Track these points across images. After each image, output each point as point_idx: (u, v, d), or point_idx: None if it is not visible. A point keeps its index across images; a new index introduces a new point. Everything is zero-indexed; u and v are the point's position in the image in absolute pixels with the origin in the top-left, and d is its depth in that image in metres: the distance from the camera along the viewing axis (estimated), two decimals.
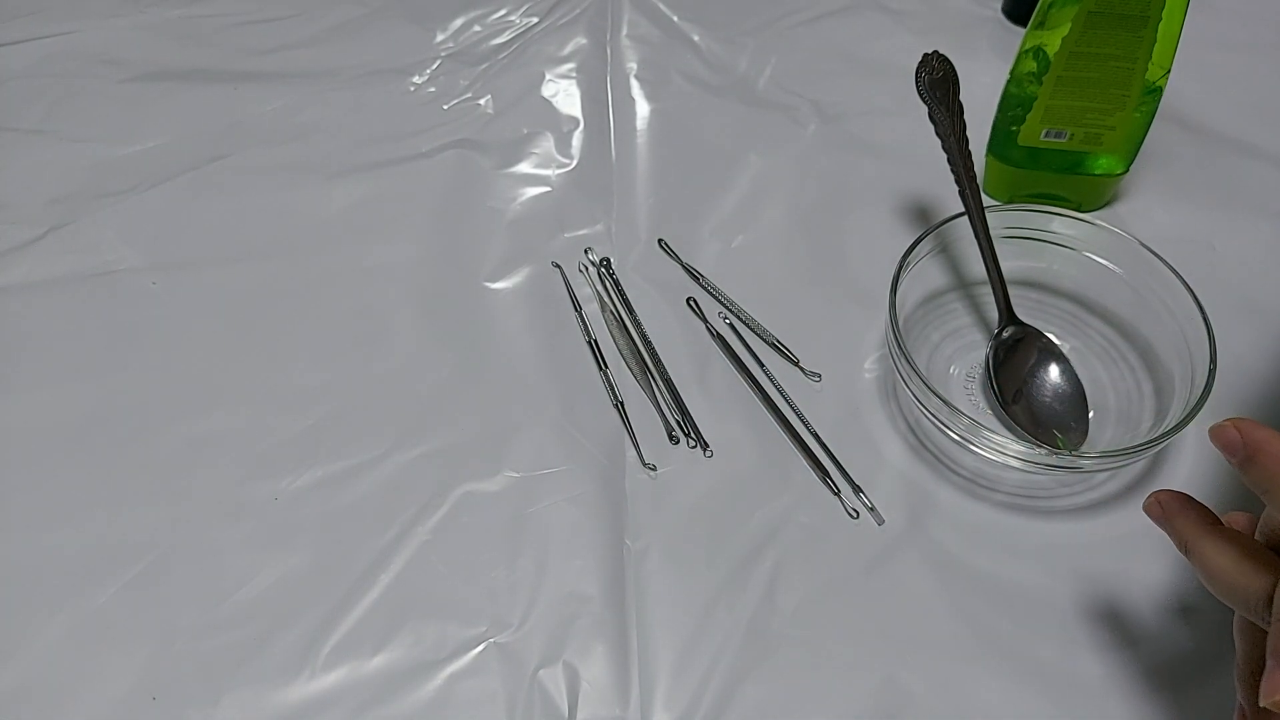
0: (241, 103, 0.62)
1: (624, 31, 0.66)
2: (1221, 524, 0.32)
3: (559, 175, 0.57)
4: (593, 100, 0.62)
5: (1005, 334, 0.46)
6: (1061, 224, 0.46)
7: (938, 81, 0.46)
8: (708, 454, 0.44)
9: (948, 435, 0.41)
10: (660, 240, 0.53)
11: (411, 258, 0.53)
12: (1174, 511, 0.32)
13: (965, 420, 0.39)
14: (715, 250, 0.53)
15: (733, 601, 0.39)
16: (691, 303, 0.51)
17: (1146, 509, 0.33)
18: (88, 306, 0.51)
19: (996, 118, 0.51)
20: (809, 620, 0.39)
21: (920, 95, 0.47)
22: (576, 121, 0.60)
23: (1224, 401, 0.45)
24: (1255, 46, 0.64)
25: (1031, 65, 0.48)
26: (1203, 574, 0.31)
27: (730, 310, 0.50)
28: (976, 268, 0.46)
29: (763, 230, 0.54)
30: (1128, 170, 0.52)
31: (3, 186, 0.57)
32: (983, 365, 0.46)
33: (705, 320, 0.50)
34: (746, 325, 0.49)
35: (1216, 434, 0.29)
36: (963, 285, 0.49)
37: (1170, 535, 0.32)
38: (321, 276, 0.52)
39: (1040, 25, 0.46)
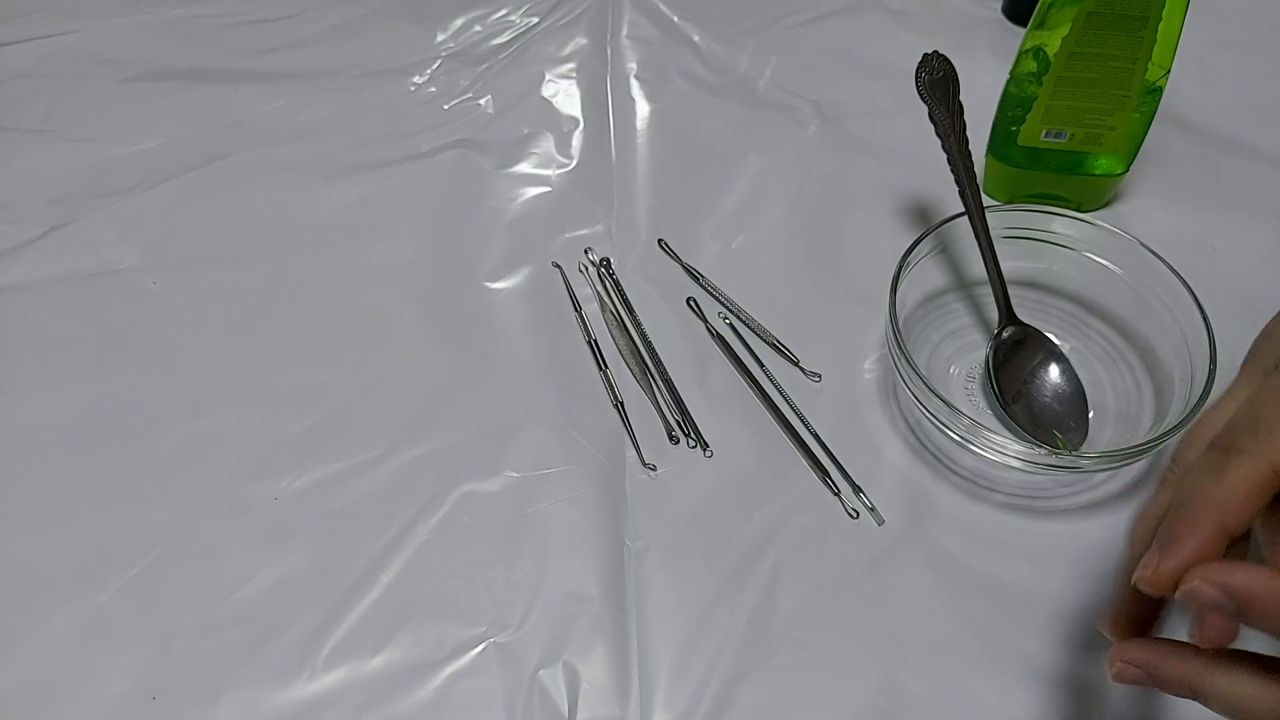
0: (241, 103, 0.62)
1: (624, 31, 0.66)
2: (1205, 650, 0.26)
3: (559, 175, 0.57)
4: (593, 100, 0.62)
5: (1005, 334, 0.46)
6: (1061, 224, 0.46)
7: (938, 81, 0.46)
8: (708, 454, 0.44)
9: (948, 435, 0.41)
10: (660, 240, 0.53)
11: (411, 258, 0.53)
12: (1157, 662, 0.28)
13: (965, 420, 0.39)
14: (715, 250, 0.53)
15: (733, 601, 0.39)
16: (691, 303, 0.51)
17: (1121, 679, 0.28)
18: (88, 306, 0.51)
19: (996, 118, 0.51)
20: (809, 620, 0.39)
21: (920, 95, 0.47)
22: (576, 121, 0.61)
23: None
24: (1255, 47, 0.64)
25: (1031, 65, 0.48)
26: (1226, 710, 0.26)
27: (730, 310, 0.50)
28: (976, 268, 0.46)
29: (763, 230, 0.54)
30: (1128, 170, 0.52)
31: (3, 186, 0.57)
32: (983, 365, 0.46)
33: (705, 320, 0.50)
34: (746, 325, 0.49)
35: (1193, 596, 0.25)
36: (963, 285, 0.49)
37: (1166, 688, 0.27)
38: (321, 276, 0.52)
39: (1040, 25, 0.46)
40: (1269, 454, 0.26)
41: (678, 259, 0.53)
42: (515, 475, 0.44)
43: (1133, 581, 0.27)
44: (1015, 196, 0.54)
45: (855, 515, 0.42)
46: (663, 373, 0.47)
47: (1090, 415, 0.44)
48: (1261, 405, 0.27)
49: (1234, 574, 0.25)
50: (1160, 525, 0.27)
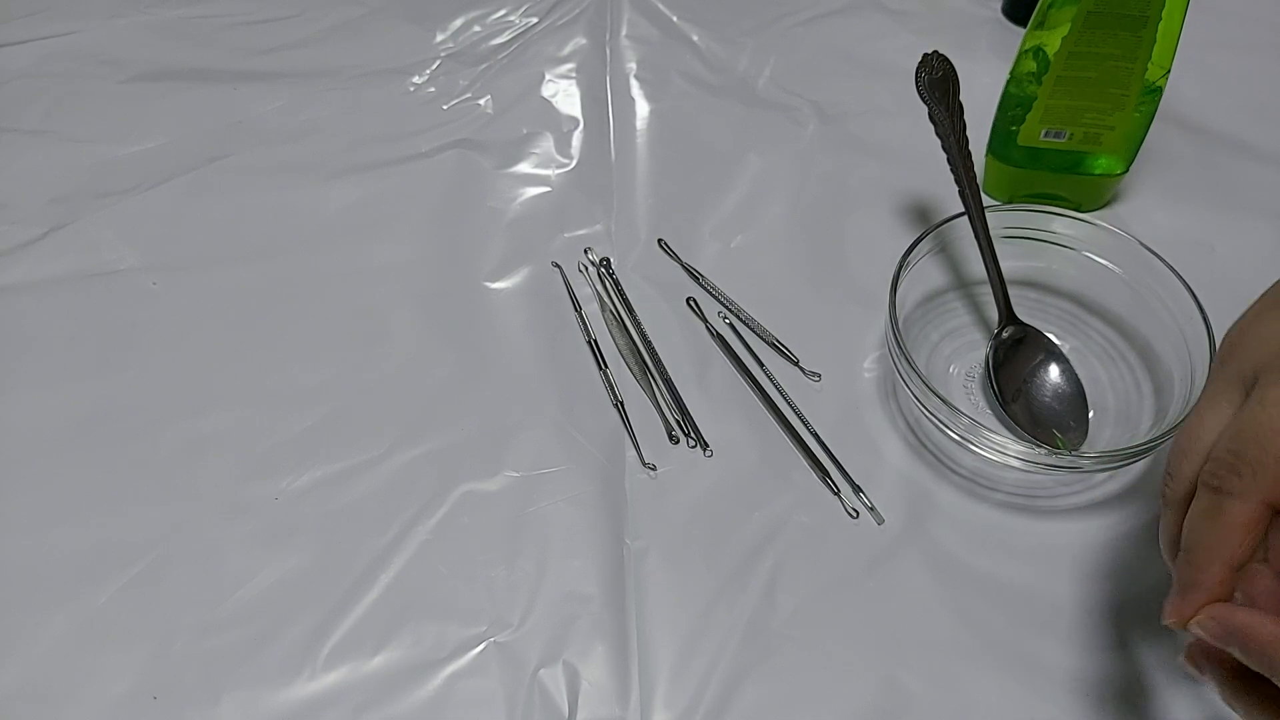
0: (241, 103, 0.62)
1: (624, 31, 0.66)
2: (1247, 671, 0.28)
3: (559, 175, 0.57)
4: (593, 100, 0.62)
5: (1005, 334, 0.46)
6: (1061, 224, 0.46)
7: (938, 81, 0.46)
8: (708, 454, 0.44)
9: (947, 435, 0.41)
10: (660, 240, 0.53)
11: (411, 258, 0.53)
12: (1245, 623, 0.28)
13: (965, 420, 0.39)
14: (715, 250, 0.53)
15: (733, 601, 0.39)
16: (691, 303, 0.51)
17: (1204, 632, 0.29)
18: (88, 306, 0.51)
19: (996, 118, 0.51)
20: (809, 620, 0.39)
21: (920, 95, 0.47)
22: (576, 121, 0.61)
23: None
24: (1255, 47, 0.64)
25: (1031, 65, 0.48)
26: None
27: (730, 310, 0.50)
28: (976, 268, 0.46)
29: (763, 230, 0.54)
30: (1127, 170, 0.52)
31: (3, 186, 0.57)
32: (982, 365, 0.46)
33: (705, 320, 0.50)
34: (746, 325, 0.49)
35: (1202, 637, 0.28)
36: (963, 285, 0.49)
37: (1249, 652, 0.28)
38: (321, 276, 0.52)
39: (1040, 25, 0.46)
40: (1259, 491, 0.28)
41: (677, 259, 0.53)
42: (515, 475, 0.44)
43: (1161, 621, 0.29)
44: (1015, 196, 0.54)
45: (855, 515, 0.42)
46: (663, 373, 0.47)
47: (1090, 415, 0.44)
48: (1244, 441, 0.28)
49: (1235, 616, 0.27)
50: (1176, 563, 0.30)
